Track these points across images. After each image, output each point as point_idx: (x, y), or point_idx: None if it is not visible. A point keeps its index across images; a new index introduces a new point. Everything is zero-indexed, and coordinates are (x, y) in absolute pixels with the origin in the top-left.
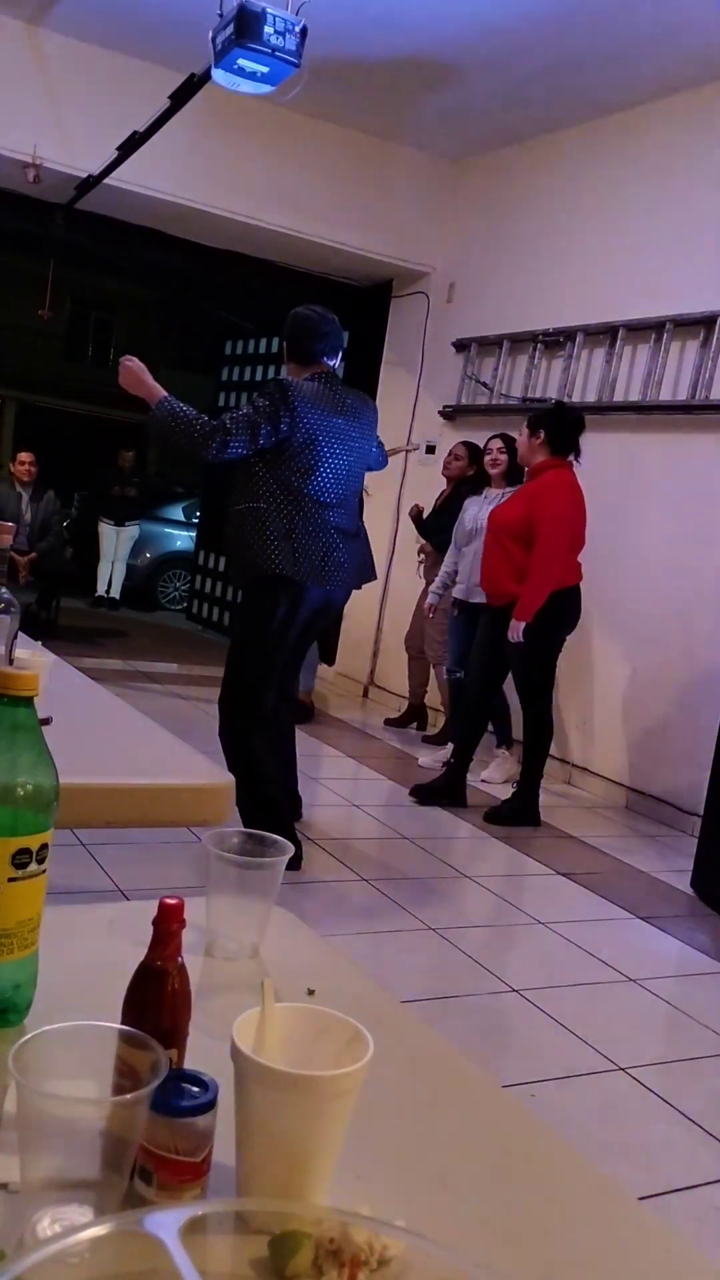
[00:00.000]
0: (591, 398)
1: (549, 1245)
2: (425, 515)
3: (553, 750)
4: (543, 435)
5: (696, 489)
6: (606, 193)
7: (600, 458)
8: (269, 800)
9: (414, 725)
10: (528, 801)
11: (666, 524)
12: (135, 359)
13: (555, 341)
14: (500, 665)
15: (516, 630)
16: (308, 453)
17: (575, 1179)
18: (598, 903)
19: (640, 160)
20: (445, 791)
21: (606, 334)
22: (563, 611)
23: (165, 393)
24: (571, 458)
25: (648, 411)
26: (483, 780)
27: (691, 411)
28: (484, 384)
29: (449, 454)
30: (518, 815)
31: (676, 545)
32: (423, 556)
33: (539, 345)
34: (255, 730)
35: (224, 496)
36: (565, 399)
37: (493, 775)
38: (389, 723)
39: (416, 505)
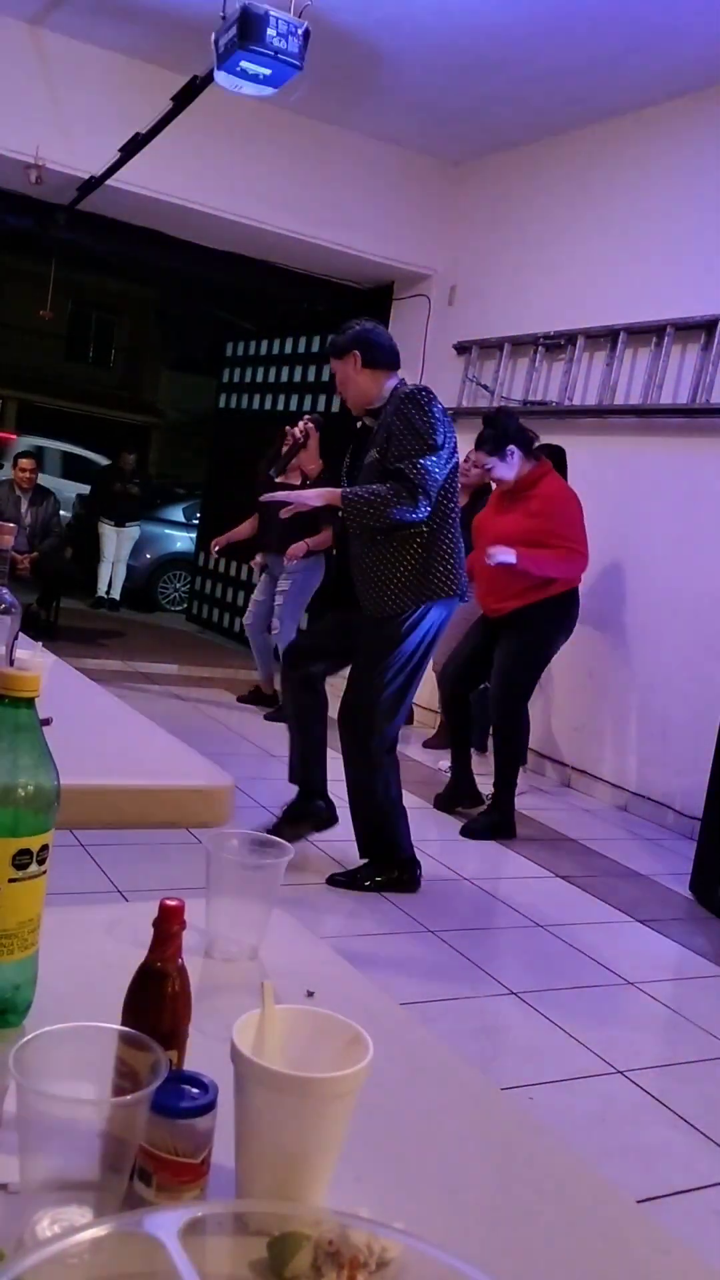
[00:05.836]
0: (592, 401)
1: (548, 1248)
2: None
3: (552, 753)
4: (515, 449)
5: (697, 493)
6: (608, 196)
7: (601, 462)
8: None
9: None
10: (505, 813)
11: (667, 528)
12: (298, 502)
13: (556, 345)
14: (526, 674)
15: (506, 553)
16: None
17: (574, 1182)
18: (596, 905)
19: (642, 164)
20: (499, 826)
21: (607, 337)
22: (564, 617)
23: (338, 489)
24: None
25: (649, 415)
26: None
27: (693, 415)
28: (485, 387)
29: (466, 461)
30: (496, 828)
31: (677, 549)
32: None
33: (540, 348)
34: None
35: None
36: (566, 402)
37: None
38: None
39: None
